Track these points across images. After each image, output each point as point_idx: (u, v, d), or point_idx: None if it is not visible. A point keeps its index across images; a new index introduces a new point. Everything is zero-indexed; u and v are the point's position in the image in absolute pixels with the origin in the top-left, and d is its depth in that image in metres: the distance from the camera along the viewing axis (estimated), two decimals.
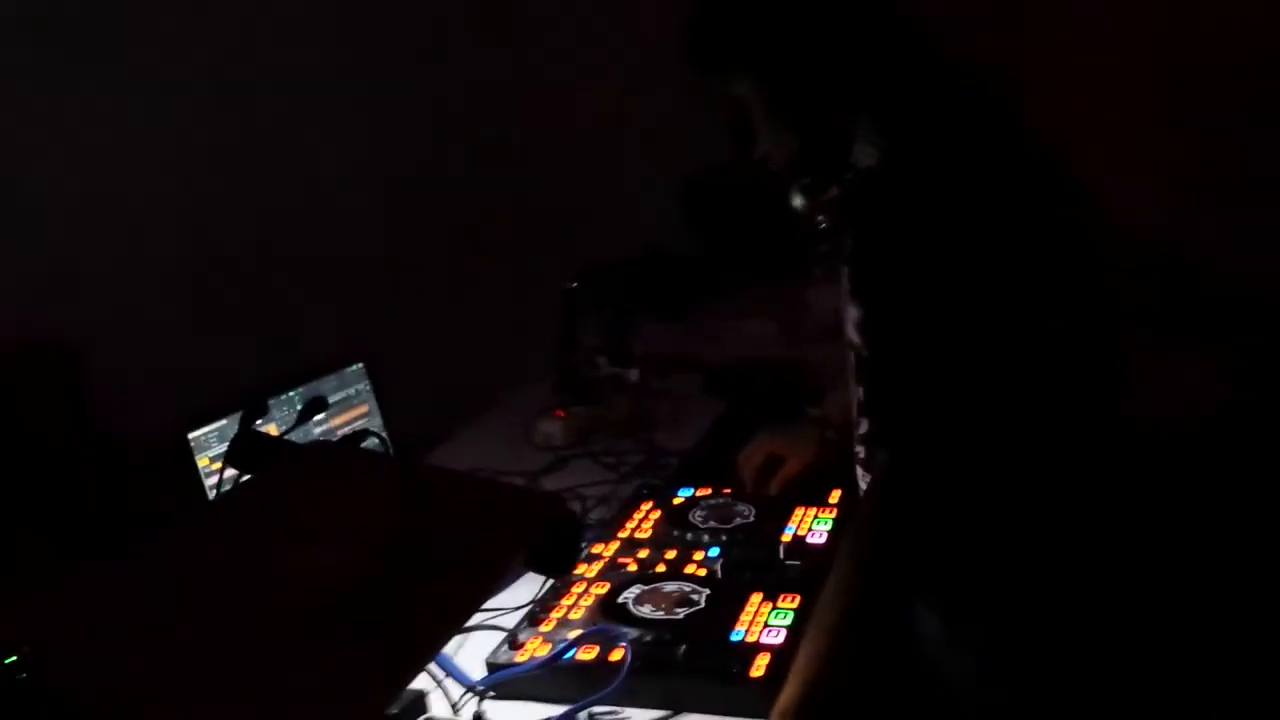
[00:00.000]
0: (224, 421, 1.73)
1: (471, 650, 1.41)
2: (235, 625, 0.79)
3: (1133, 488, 1.33)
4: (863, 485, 1.40)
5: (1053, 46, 2.47)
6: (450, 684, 1.33)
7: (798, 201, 1.34)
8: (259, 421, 1.39)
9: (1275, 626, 1.60)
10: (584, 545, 1.59)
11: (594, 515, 1.80)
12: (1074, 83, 2.24)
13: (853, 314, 1.29)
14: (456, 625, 0.97)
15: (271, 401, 1.77)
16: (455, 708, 1.29)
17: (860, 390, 1.32)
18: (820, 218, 1.34)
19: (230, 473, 1.20)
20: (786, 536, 1.56)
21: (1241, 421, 1.67)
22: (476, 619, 1.45)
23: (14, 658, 0.74)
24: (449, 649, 1.39)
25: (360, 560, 0.85)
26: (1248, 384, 1.89)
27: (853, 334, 1.30)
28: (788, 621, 1.33)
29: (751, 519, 1.65)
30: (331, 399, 1.87)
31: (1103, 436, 1.30)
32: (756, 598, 1.40)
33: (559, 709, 1.26)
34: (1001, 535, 1.26)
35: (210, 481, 1.69)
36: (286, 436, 1.57)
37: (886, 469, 1.26)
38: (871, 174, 1.23)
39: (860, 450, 1.38)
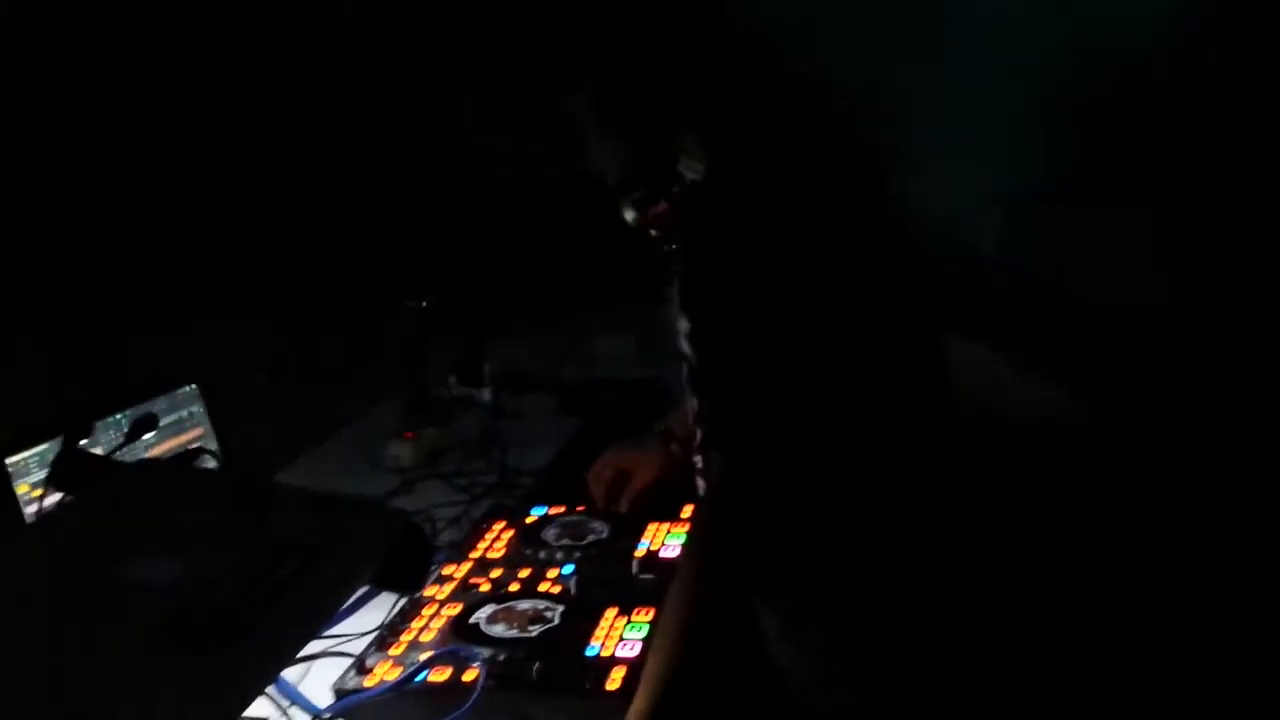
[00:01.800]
0: (45, 446, 1.63)
1: (317, 677, 1.35)
2: (70, 641, 0.74)
3: (969, 486, 1.38)
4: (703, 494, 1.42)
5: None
6: (296, 712, 1.27)
7: (629, 215, 1.36)
8: (83, 443, 1.31)
9: (1109, 617, 1.68)
10: (435, 565, 1.56)
11: (445, 536, 1.76)
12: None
13: (683, 325, 1.32)
14: (304, 640, 0.93)
15: (97, 424, 1.67)
16: None
17: (694, 400, 1.35)
18: (652, 232, 1.36)
19: (53, 497, 1.13)
20: (640, 552, 1.56)
21: (1080, 428, 1.77)
22: (321, 645, 1.40)
23: None
24: (293, 676, 1.33)
25: (199, 575, 0.80)
26: (1086, 394, 2.00)
27: (684, 345, 1.33)
28: (642, 634, 1.33)
29: (605, 535, 1.65)
30: (163, 421, 1.77)
31: (933, 436, 1.34)
32: (611, 612, 1.39)
33: None
34: (836, 535, 1.29)
35: (30, 509, 1.58)
36: (114, 457, 1.48)
37: (721, 473, 1.26)
38: (697, 187, 1.26)
39: (699, 460, 1.40)
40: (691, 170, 1.27)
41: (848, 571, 1.30)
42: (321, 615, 0.88)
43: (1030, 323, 2.30)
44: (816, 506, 1.26)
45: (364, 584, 0.96)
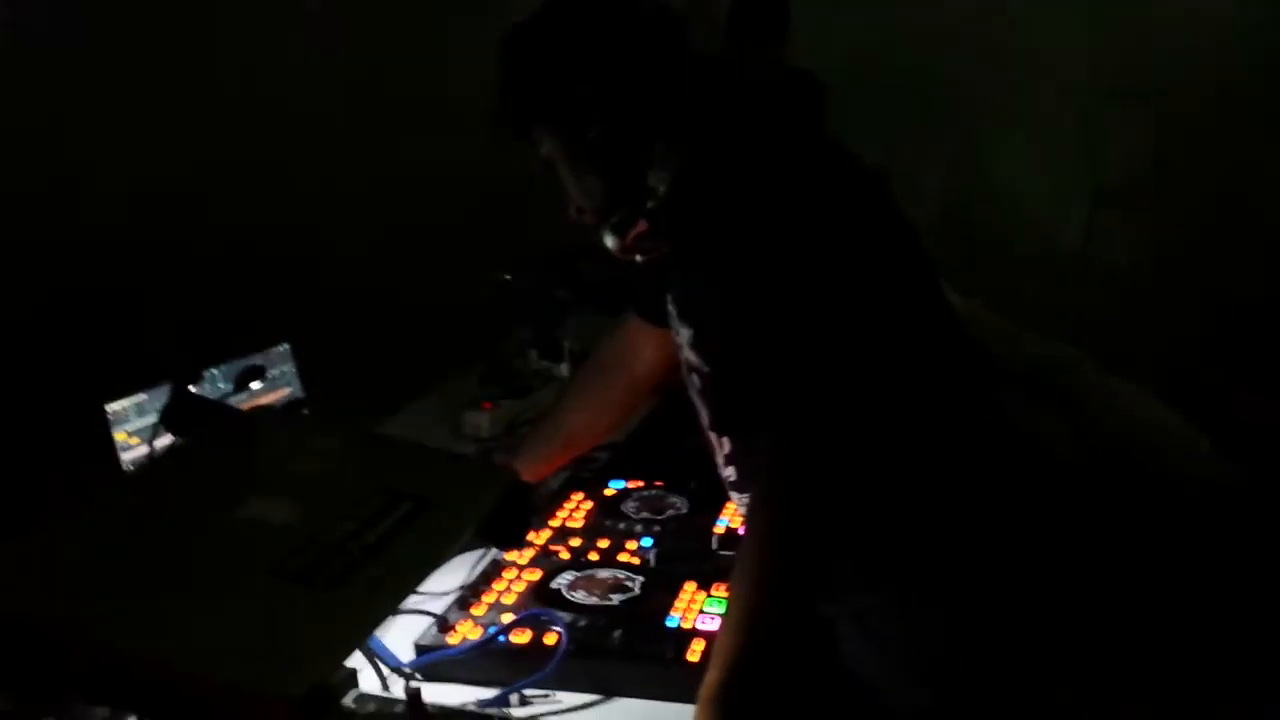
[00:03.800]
0: (143, 396, 1.68)
1: (398, 633, 1.38)
2: (192, 569, 0.77)
3: (1040, 492, 1.35)
4: (738, 508, 1.41)
5: None
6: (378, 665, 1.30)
7: (610, 242, 1.36)
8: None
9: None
10: (535, 519, 1.58)
11: None
12: None
13: (685, 335, 1.32)
14: (413, 585, 0.95)
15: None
16: (385, 686, 1.26)
17: (707, 410, 1.34)
18: (637, 257, 1.36)
19: (161, 442, 1.16)
20: (719, 528, 1.57)
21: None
22: (403, 601, 1.43)
23: None
24: (377, 630, 1.36)
25: (316, 517, 0.82)
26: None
27: (690, 356, 1.33)
28: (723, 610, 1.33)
29: (684, 511, 1.66)
30: None
31: (977, 427, 1.32)
32: (690, 586, 1.40)
33: (490, 691, 1.24)
34: (899, 521, 1.27)
35: (127, 455, 1.63)
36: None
37: (774, 451, 1.21)
38: (671, 196, 1.26)
39: (729, 473, 1.39)
40: (661, 181, 1.27)
41: (919, 561, 1.28)
42: (430, 563, 0.90)
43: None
44: (876, 486, 1.24)
45: (469, 535, 0.97)
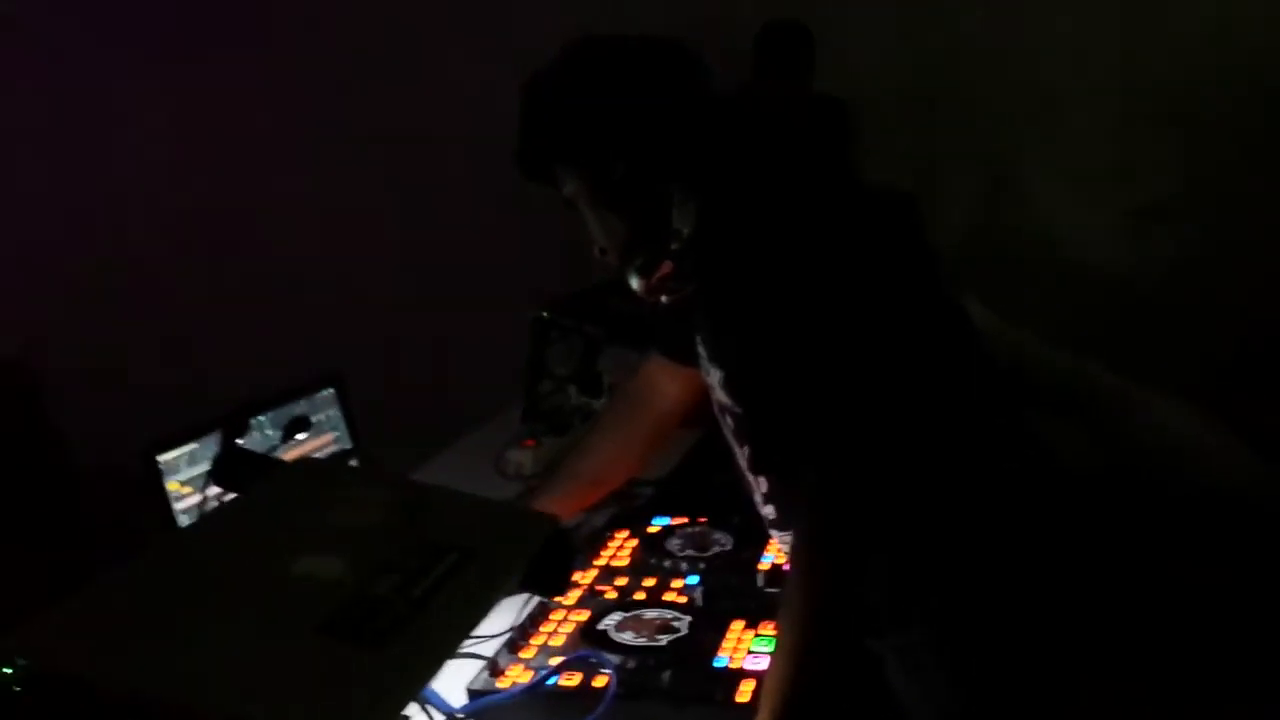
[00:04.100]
0: (194, 445, 1.70)
1: (448, 677, 1.38)
2: (242, 626, 0.78)
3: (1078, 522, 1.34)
4: (780, 546, 1.41)
5: None
6: (430, 712, 1.31)
7: (635, 284, 1.37)
8: (239, 441, 1.37)
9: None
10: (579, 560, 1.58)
11: None
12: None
13: (717, 376, 1.32)
14: (461, 637, 0.96)
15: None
16: None
17: (746, 451, 1.34)
18: (663, 298, 1.37)
19: (213, 491, 1.18)
20: (764, 565, 1.56)
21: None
22: None
23: (8, 669, 0.72)
24: None
25: (364, 572, 0.83)
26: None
27: (722, 397, 1.33)
28: (771, 648, 1.33)
29: (730, 547, 1.65)
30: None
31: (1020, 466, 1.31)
32: (738, 625, 1.40)
33: None
34: (945, 556, 1.26)
35: (180, 505, 1.66)
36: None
37: (818, 485, 1.21)
38: (695, 238, 1.27)
39: (768, 512, 1.39)
40: (685, 223, 1.28)
41: (956, 595, 1.27)
42: (477, 613, 0.90)
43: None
44: (911, 519, 1.24)
45: (514, 584, 0.98)
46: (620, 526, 1.77)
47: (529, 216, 2.90)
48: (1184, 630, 1.37)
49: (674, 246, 1.30)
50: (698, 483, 1.84)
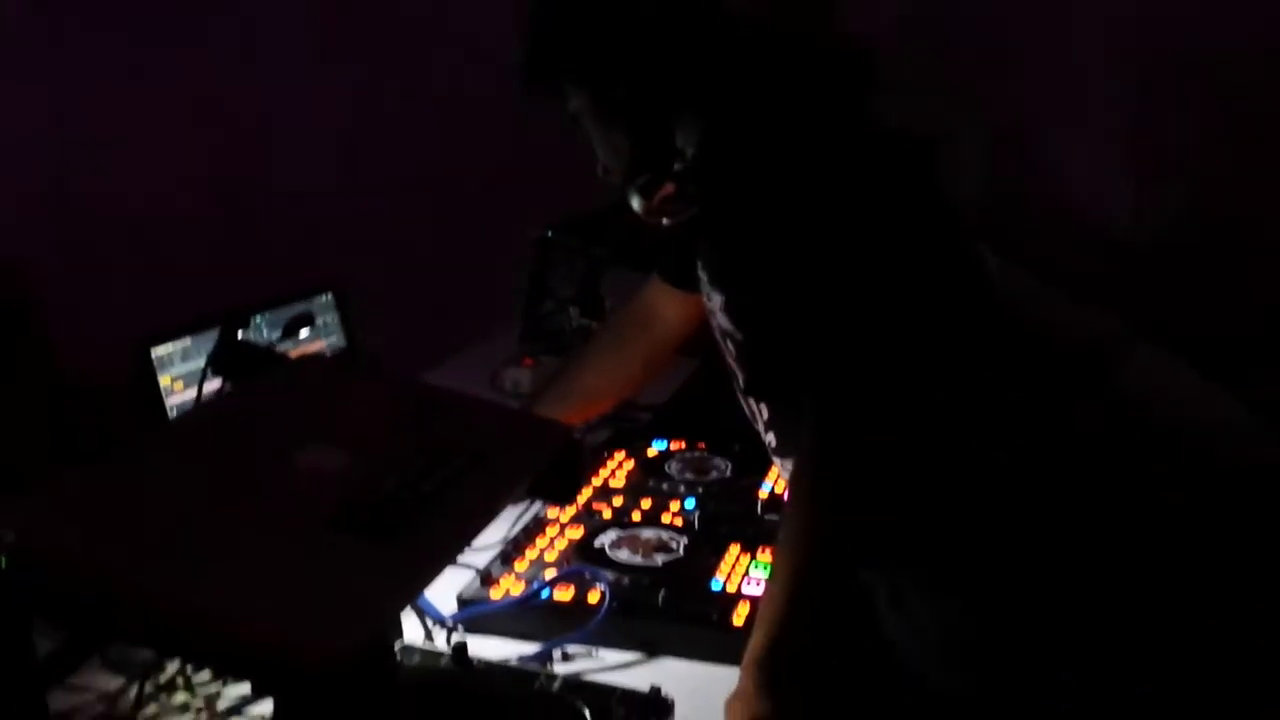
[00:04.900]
0: (188, 341, 1.67)
1: (440, 586, 1.37)
2: (244, 517, 0.76)
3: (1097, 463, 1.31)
4: (782, 474, 1.39)
5: None
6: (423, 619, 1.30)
7: (636, 204, 1.34)
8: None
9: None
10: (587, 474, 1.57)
11: None
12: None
13: (717, 301, 1.29)
14: (467, 540, 0.94)
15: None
16: (428, 637, 1.26)
17: (742, 375, 1.32)
18: (664, 220, 1.34)
19: (209, 388, 1.15)
20: (763, 493, 1.55)
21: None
22: None
23: None
24: None
25: (369, 469, 0.81)
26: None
27: (724, 322, 1.30)
28: (767, 574, 1.32)
29: (728, 474, 1.64)
30: None
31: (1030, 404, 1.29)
32: (735, 549, 1.39)
33: (532, 646, 1.24)
34: (943, 494, 1.25)
35: (172, 400, 1.63)
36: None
37: (818, 414, 1.19)
38: (699, 159, 1.24)
39: (770, 439, 1.37)
40: (689, 143, 1.25)
41: (957, 539, 1.26)
42: (485, 516, 0.88)
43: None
44: (910, 455, 1.22)
45: (523, 489, 0.96)
46: (618, 447, 1.75)
47: (534, 136, 2.86)
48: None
49: (677, 167, 1.27)
50: (698, 409, 1.82)
